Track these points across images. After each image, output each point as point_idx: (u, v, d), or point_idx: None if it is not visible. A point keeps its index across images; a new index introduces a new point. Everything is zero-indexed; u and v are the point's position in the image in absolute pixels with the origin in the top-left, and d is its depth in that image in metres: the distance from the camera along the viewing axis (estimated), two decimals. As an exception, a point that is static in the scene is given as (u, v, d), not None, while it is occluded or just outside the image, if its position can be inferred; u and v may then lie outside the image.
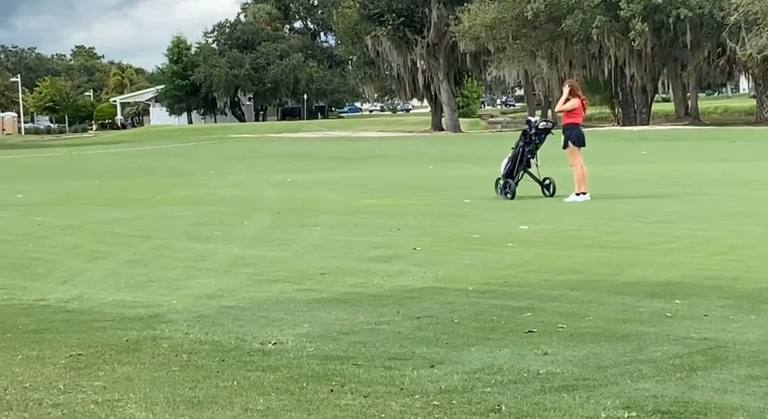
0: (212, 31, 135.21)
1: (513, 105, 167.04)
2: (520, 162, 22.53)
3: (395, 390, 6.49)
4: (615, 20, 72.80)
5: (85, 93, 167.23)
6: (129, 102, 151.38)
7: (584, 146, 21.75)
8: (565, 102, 21.78)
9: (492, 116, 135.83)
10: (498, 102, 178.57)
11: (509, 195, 22.11)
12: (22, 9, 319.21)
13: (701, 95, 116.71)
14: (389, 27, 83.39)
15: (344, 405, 6.21)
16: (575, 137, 21.60)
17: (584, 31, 72.73)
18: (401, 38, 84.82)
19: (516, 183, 22.38)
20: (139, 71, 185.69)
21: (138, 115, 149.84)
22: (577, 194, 21.14)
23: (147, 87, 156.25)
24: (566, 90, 22.05)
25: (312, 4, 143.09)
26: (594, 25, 71.68)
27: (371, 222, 17.52)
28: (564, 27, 72.97)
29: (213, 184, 30.45)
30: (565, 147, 21.60)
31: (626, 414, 5.87)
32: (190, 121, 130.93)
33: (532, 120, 24.10)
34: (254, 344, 7.90)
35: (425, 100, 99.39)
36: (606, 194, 22.41)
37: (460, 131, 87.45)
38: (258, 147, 60.30)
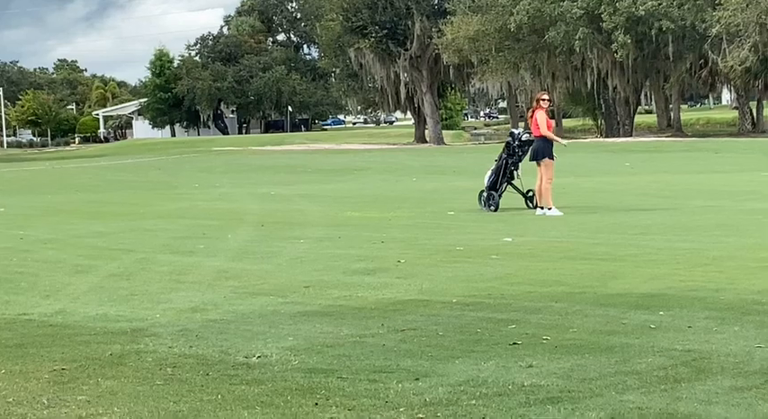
0: (195, 44, 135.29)
1: (497, 117, 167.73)
2: (503, 174, 22.56)
3: (380, 403, 6.48)
4: (598, 32, 72.97)
5: (68, 107, 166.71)
6: (111, 116, 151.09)
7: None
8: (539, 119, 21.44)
9: (475, 128, 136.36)
10: (482, 114, 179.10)
11: (492, 207, 22.12)
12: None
13: (684, 107, 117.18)
14: (372, 39, 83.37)
15: (329, 418, 6.20)
16: (549, 150, 21.40)
17: (566, 43, 72.88)
18: (384, 50, 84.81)
19: (500, 195, 22.40)
20: (122, 84, 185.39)
21: (121, 128, 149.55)
22: (549, 208, 20.83)
23: (129, 100, 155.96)
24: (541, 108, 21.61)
25: (295, 17, 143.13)
26: (577, 37, 71.85)
27: (355, 235, 17.50)
28: (547, 39, 73.09)
29: (197, 197, 30.39)
30: (541, 158, 21.29)
31: (611, 426, 5.88)
32: (173, 134, 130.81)
33: (516, 132, 24.04)
34: (238, 358, 7.88)
35: (409, 112, 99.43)
36: (589, 206, 22.44)
37: (444, 143, 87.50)
38: (241, 160, 60.22)
